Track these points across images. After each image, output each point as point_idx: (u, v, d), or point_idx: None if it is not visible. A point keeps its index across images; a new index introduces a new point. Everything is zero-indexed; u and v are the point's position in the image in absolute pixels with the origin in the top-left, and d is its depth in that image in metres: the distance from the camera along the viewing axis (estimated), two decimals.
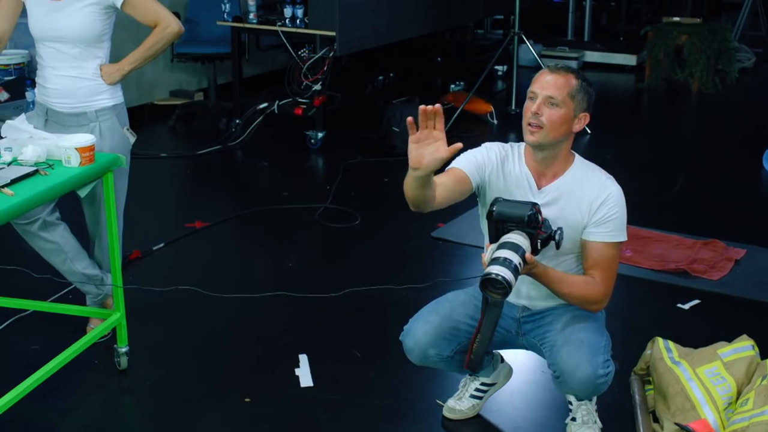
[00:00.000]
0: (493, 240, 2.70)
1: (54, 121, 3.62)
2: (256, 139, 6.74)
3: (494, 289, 2.57)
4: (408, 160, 2.56)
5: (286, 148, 6.84)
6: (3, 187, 2.92)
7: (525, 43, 7.72)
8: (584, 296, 2.86)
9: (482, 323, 2.75)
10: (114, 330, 3.54)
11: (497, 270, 2.55)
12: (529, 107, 2.83)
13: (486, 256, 2.64)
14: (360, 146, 6.69)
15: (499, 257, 2.58)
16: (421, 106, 2.51)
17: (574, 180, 2.90)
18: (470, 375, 3.27)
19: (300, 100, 6.62)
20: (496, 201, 2.72)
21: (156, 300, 4.05)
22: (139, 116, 7.02)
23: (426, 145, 2.52)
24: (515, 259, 2.58)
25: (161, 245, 4.80)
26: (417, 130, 2.52)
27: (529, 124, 2.82)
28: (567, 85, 2.81)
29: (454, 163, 2.92)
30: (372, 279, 4.37)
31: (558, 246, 2.73)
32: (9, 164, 3.14)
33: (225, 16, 6.97)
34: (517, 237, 2.64)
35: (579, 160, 2.95)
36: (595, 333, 2.88)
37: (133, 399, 3.51)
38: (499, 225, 2.68)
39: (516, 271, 2.57)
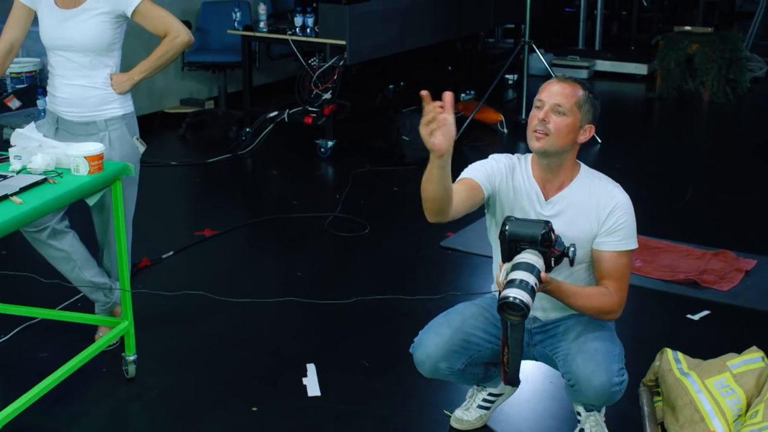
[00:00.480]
0: (506, 259, 2.68)
1: (64, 129, 3.63)
2: (265, 148, 6.75)
3: (512, 312, 2.56)
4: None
5: (296, 157, 6.85)
6: (12, 195, 2.93)
7: (536, 52, 7.72)
8: (599, 307, 2.85)
9: (508, 341, 2.74)
10: (122, 338, 3.54)
11: (514, 293, 2.53)
12: (536, 115, 2.83)
13: (500, 277, 2.63)
14: (369, 155, 6.69)
15: (515, 279, 2.56)
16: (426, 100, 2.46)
17: (581, 189, 2.90)
18: (477, 385, 3.27)
19: (310, 108, 6.63)
20: (507, 220, 2.70)
21: (164, 308, 4.06)
22: (150, 124, 7.04)
23: (437, 129, 2.47)
24: (531, 280, 2.56)
25: (170, 253, 4.81)
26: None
27: (536, 131, 2.82)
28: (574, 94, 2.82)
29: (465, 174, 2.91)
30: (381, 288, 4.36)
31: (572, 263, 2.72)
32: (18, 172, 3.15)
33: (236, 24, 6.99)
34: (530, 257, 2.62)
35: (585, 170, 2.95)
36: (609, 342, 2.87)
37: (141, 407, 3.51)
38: (512, 244, 2.66)
39: (533, 293, 2.56)
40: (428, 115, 2.46)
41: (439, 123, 2.46)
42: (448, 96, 2.48)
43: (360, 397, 3.49)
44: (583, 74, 9.49)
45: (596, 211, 2.86)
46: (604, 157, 6.70)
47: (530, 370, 3.49)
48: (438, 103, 2.46)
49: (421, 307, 3.81)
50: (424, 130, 2.48)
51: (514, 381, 2.91)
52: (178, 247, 4.89)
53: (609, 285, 2.85)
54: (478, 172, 2.91)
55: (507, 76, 8.89)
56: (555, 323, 2.99)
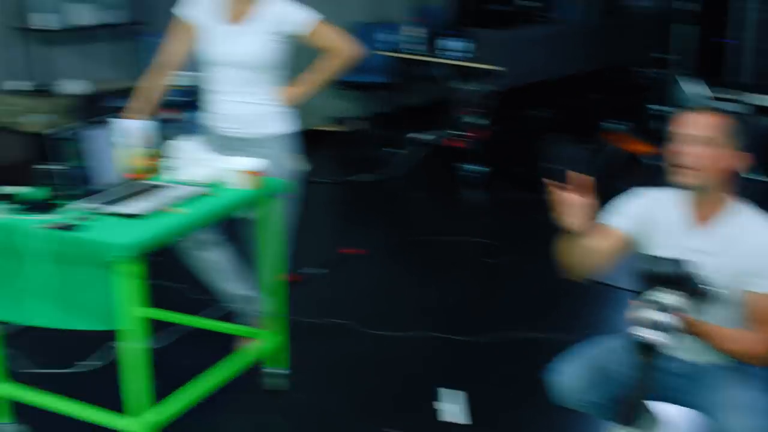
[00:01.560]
0: (641, 298, 2.62)
1: (225, 145, 3.68)
2: (414, 170, 6.77)
3: (644, 352, 2.51)
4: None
5: (443, 180, 6.86)
6: (174, 206, 3.02)
7: (687, 83, 7.54)
8: (744, 351, 2.72)
9: (638, 377, 2.68)
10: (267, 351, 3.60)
11: (646, 333, 2.49)
12: (678, 149, 2.74)
13: (635, 315, 2.57)
14: (516, 181, 6.64)
15: (649, 319, 2.52)
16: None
17: (733, 225, 2.77)
18: (621, 426, 3.18)
19: (460, 133, 6.63)
20: (642, 258, 2.65)
21: (308, 325, 4.12)
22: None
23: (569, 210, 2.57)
24: (665, 320, 2.51)
25: (317, 270, 4.88)
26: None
27: (679, 165, 2.73)
28: (716, 124, 2.71)
29: (607, 220, 2.88)
30: (523, 319, 4.32)
31: (710, 303, 2.63)
32: (178, 184, 3.25)
33: (385, 46, 7.06)
34: (666, 296, 2.56)
35: (739, 205, 2.82)
36: (764, 394, 2.75)
37: (281, 418, 3.55)
38: (647, 283, 2.61)
39: (667, 333, 2.50)
40: (556, 199, 2.58)
41: (569, 205, 2.50)
42: (582, 180, 2.49)
43: (493, 425, 3.48)
44: (740, 108, 9.22)
45: (747, 249, 2.73)
46: None
47: (676, 413, 3.38)
48: (563, 186, 2.57)
49: (561, 339, 3.75)
50: (557, 210, 2.54)
51: (628, 420, 2.82)
52: (324, 264, 4.96)
53: (757, 328, 2.73)
54: (623, 218, 2.88)
55: (656, 106, 8.70)
56: (702, 368, 2.89)
